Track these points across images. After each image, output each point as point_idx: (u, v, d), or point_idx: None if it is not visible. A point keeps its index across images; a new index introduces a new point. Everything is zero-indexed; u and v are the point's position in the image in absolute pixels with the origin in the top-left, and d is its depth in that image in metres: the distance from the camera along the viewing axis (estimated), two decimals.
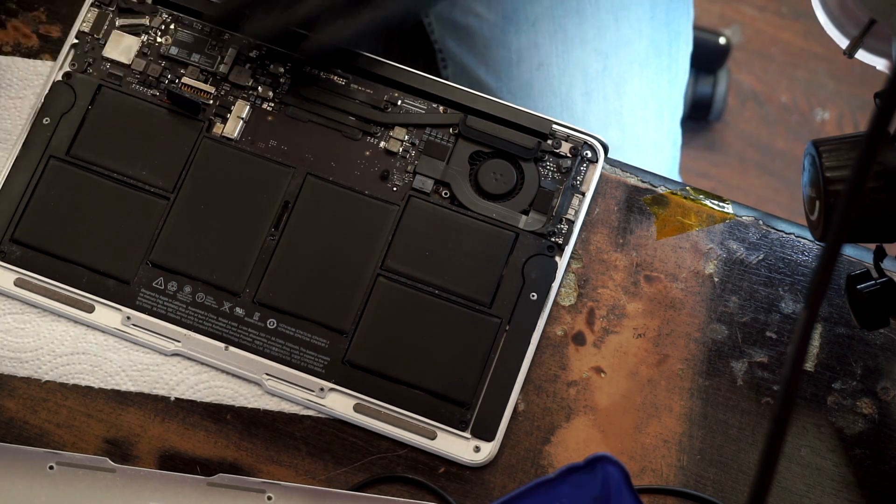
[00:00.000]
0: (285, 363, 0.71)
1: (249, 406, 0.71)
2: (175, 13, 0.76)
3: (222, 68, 0.75)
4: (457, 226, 0.73)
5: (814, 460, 0.71)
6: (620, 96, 0.91)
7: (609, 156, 0.75)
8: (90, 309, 0.72)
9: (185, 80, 0.75)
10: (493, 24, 0.83)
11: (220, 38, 0.76)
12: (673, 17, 0.90)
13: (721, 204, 0.76)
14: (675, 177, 0.99)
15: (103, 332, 0.72)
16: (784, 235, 0.75)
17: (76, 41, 0.75)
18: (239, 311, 0.72)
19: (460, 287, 0.72)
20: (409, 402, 0.71)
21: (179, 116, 0.74)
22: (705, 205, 0.76)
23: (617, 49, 0.85)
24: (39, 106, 0.74)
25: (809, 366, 0.73)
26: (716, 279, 0.74)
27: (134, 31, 0.76)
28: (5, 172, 0.73)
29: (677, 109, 0.98)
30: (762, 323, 0.73)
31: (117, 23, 0.76)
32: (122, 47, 0.76)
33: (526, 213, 0.74)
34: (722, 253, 0.75)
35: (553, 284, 0.72)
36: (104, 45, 0.76)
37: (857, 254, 0.75)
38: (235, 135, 0.74)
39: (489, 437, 0.70)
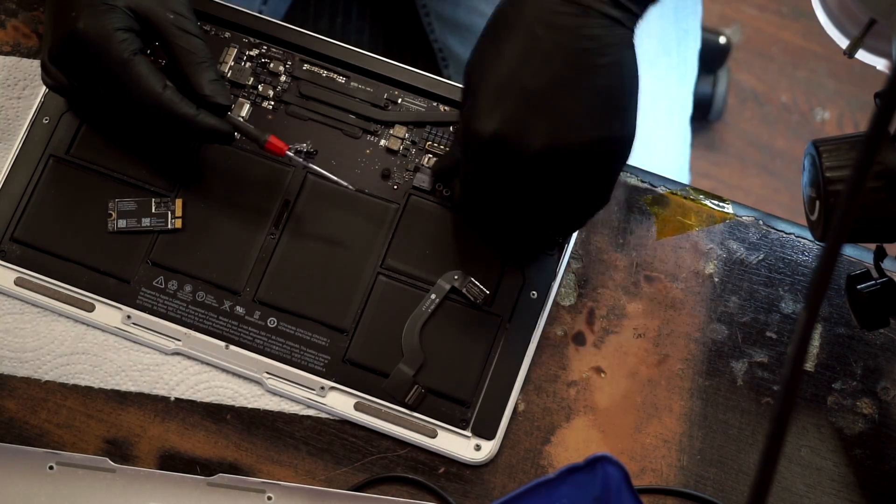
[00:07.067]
0: (286, 362, 0.71)
1: (249, 406, 0.71)
2: None
3: (222, 67, 0.75)
4: (457, 224, 0.73)
5: (814, 460, 0.71)
6: None
7: None
8: (90, 308, 0.72)
9: None
10: None
11: (221, 36, 0.76)
12: (681, 14, 0.89)
13: (721, 204, 0.76)
14: (686, 175, 0.99)
15: (103, 330, 0.72)
16: (784, 235, 0.75)
17: None
18: (239, 309, 0.72)
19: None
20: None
21: None
22: (705, 205, 0.75)
23: None
24: (39, 105, 0.74)
25: (809, 366, 0.73)
26: (716, 279, 0.74)
27: None
28: (5, 172, 0.73)
29: (686, 107, 0.98)
30: (762, 323, 0.73)
31: None
32: None
33: None
34: (722, 253, 0.74)
35: (553, 283, 0.72)
36: None
37: (857, 254, 0.75)
38: (236, 133, 0.74)
39: (489, 436, 0.70)
